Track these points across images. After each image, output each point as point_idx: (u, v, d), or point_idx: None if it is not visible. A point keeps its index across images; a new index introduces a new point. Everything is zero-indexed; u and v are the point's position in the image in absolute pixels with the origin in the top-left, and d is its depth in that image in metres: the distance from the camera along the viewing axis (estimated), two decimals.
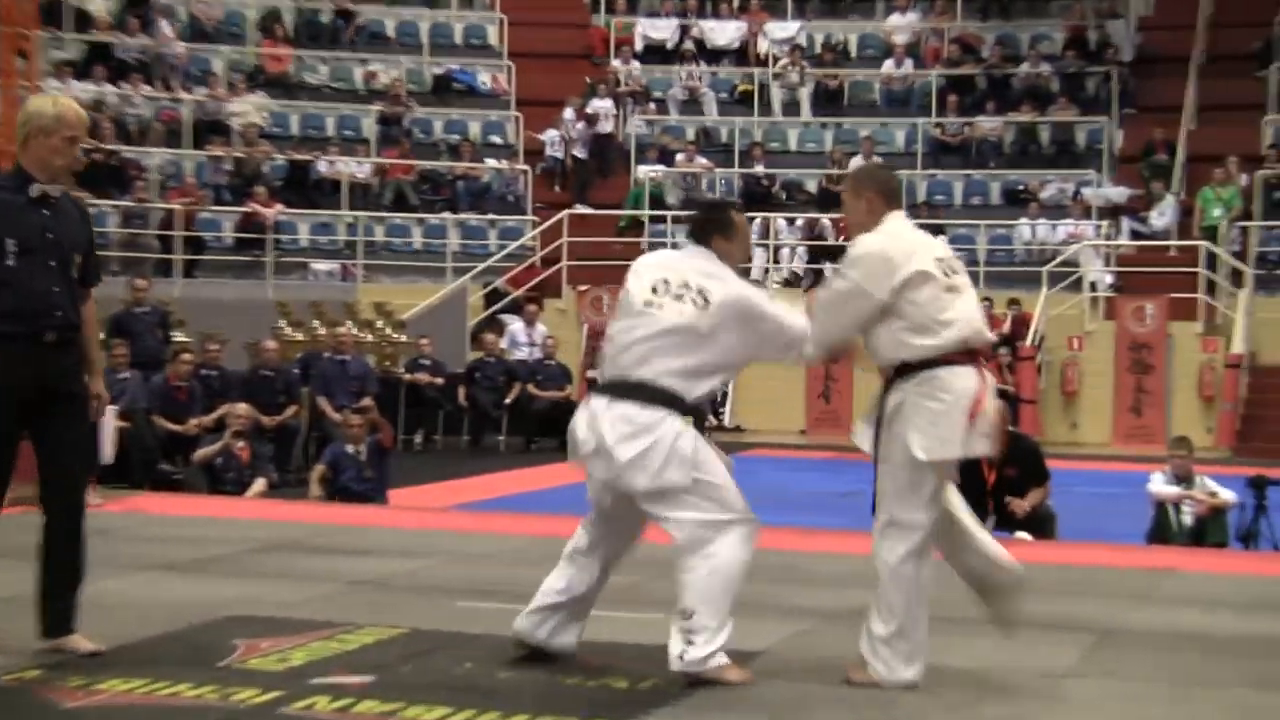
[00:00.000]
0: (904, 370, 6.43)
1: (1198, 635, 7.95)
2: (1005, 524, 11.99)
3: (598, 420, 6.41)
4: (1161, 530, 12.89)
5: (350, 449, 14.63)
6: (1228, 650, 7.58)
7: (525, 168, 27.06)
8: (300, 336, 20.40)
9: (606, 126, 27.70)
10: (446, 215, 25.91)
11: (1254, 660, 7.33)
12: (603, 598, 6.95)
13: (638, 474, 6.35)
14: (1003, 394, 10.47)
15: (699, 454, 6.46)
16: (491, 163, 27.02)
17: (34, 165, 6.86)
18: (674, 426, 6.36)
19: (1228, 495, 13.00)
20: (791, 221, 26.16)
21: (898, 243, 6.57)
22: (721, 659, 6.34)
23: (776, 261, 25.66)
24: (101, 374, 7.11)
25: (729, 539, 6.38)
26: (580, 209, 26.31)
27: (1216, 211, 24.82)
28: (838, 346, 6.83)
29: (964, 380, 6.36)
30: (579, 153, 27.57)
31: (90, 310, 7.02)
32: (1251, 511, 12.74)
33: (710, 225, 6.90)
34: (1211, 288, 23.77)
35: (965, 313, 6.46)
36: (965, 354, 6.40)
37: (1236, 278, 23.90)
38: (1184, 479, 13.02)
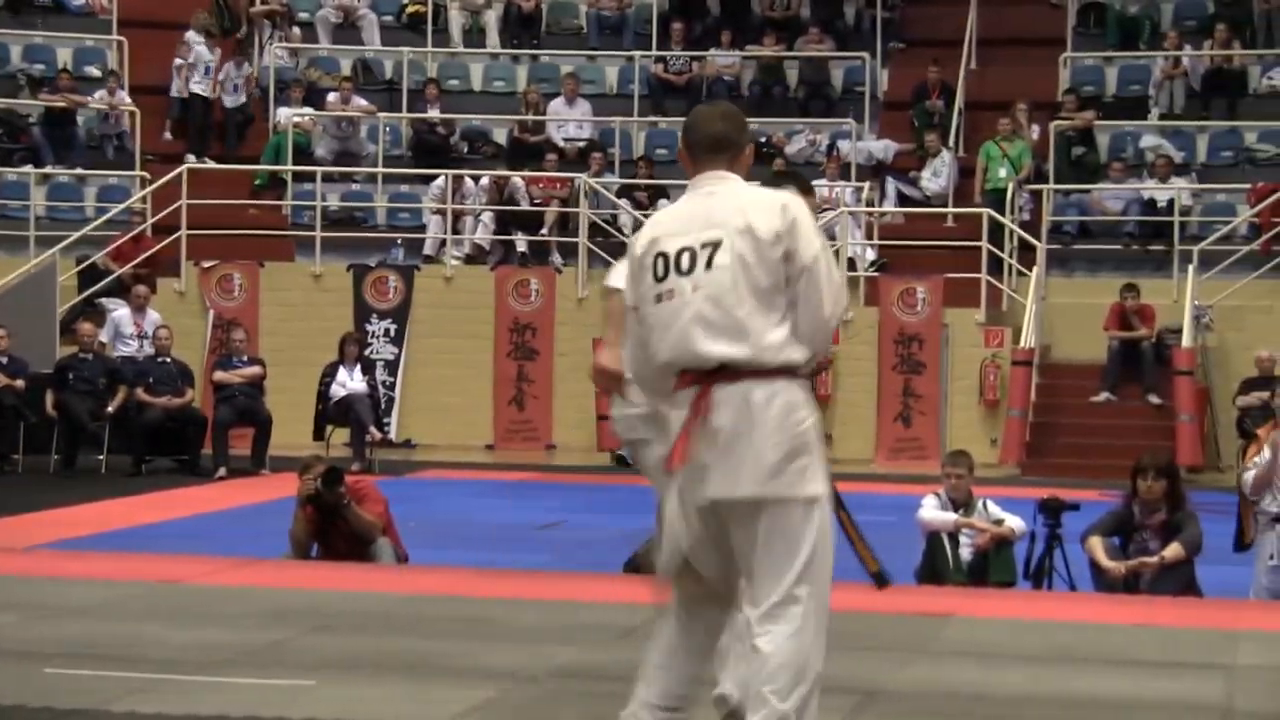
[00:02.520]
0: None
1: (978, 695, 8.16)
2: None
3: None
4: (935, 566, 13.03)
5: None
6: (1010, 711, 7.83)
7: (133, 108, 26.69)
8: None
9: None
10: (28, 169, 25.48)
11: None
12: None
13: None
14: None
15: None
16: (89, 100, 26.62)
17: None
18: None
19: (1015, 523, 13.29)
20: (476, 180, 26.18)
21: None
22: None
23: (457, 232, 25.70)
24: None
25: None
26: (203, 163, 26.05)
27: (1002, 171, 25.37)
28: None
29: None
30: (227, 99, 27.29)
31: None
32: (1043, 542, 13.08)
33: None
34: (997, 266, 24.30)
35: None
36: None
37: (1027, 254, 24.52)
38: (962, 503, 13.27)
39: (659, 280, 6.06)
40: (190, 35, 27.06)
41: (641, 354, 6.18)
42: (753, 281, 6.02)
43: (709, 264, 6.03)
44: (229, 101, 27.24)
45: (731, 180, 6.26)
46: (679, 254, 6.07)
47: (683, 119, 23.81)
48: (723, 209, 6.16)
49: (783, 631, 6.05)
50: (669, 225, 6.20)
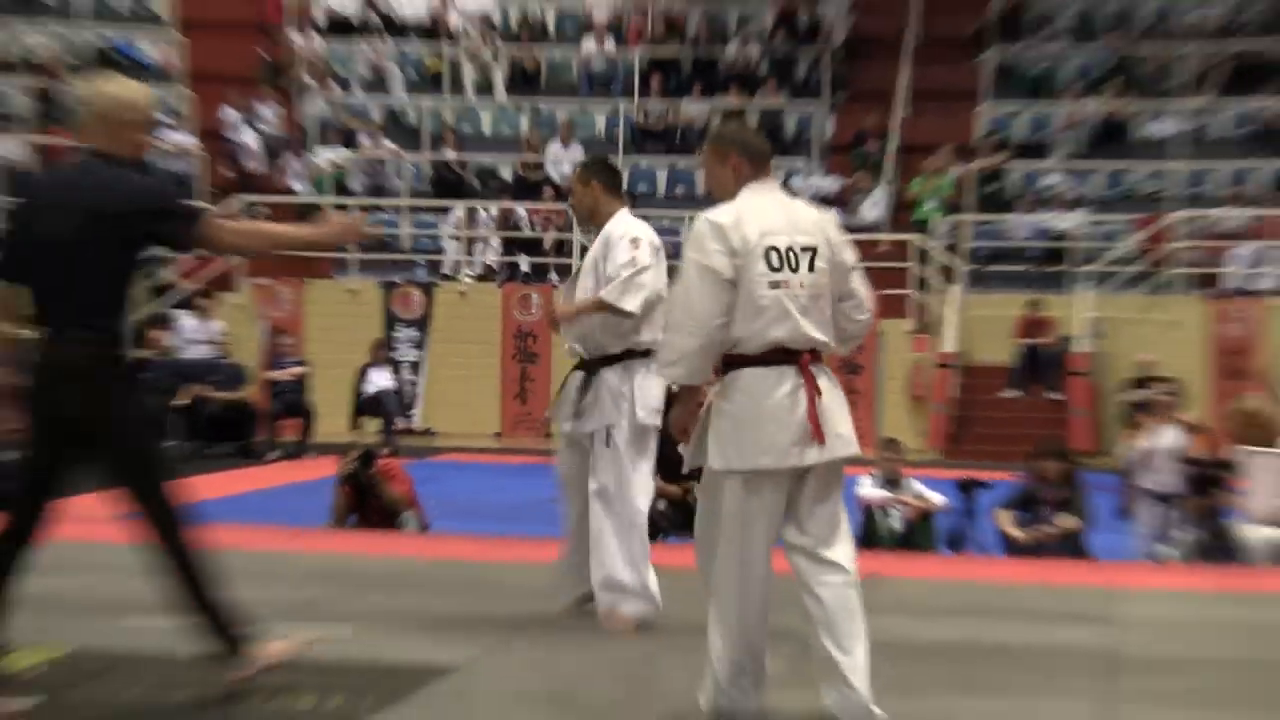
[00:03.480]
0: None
1: (906, 644, 8.12)
2: None
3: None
4: (870, 535, 13.15)
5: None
6: (936, 658, 7.84)
7: (198, 149, 26.67)
8: None
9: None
10: None
11: (957, 665, 7.61)
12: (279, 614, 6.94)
13: None
14: None
15: None
16: (161, 142, 26.56)
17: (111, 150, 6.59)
18: None
19: (937, 499, 13.38)
20: (486, 211, 26.21)
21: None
22: None
23: (470, 253, 25.74)
24: None
25: None
26: (257, 196, 26.04)
27: (929, 205, 25.45)
28: None
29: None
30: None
31: None
32: (960, 515, 13.17)
33: None
34: (923, 284, 24.35)
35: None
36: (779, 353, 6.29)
37: (948, 274, 24.57)
38: (893, 482, 13.37)
39: (774, 270, 6.12)
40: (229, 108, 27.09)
41: (740, 323, 6.15)
42: (832, 285, 6.26)
43: (810, 266, 6.17)
44: (270, 144, 27.29)
45: (779, 188, 6.57)
46: (788, 251, 6.15)
47: (664, 158, 23.80)
48: (807, 218, 6.34)
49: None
50: (772, 223, 6.19)
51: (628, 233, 8.53)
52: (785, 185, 25.67)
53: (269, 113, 27.51)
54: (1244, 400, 12.83)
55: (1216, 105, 26.86)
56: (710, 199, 6.49)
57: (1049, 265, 24.96)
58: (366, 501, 13.37)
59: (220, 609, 6.47)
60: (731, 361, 6.21)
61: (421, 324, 24.71)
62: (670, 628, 8.15)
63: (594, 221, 8.63)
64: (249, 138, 27.21)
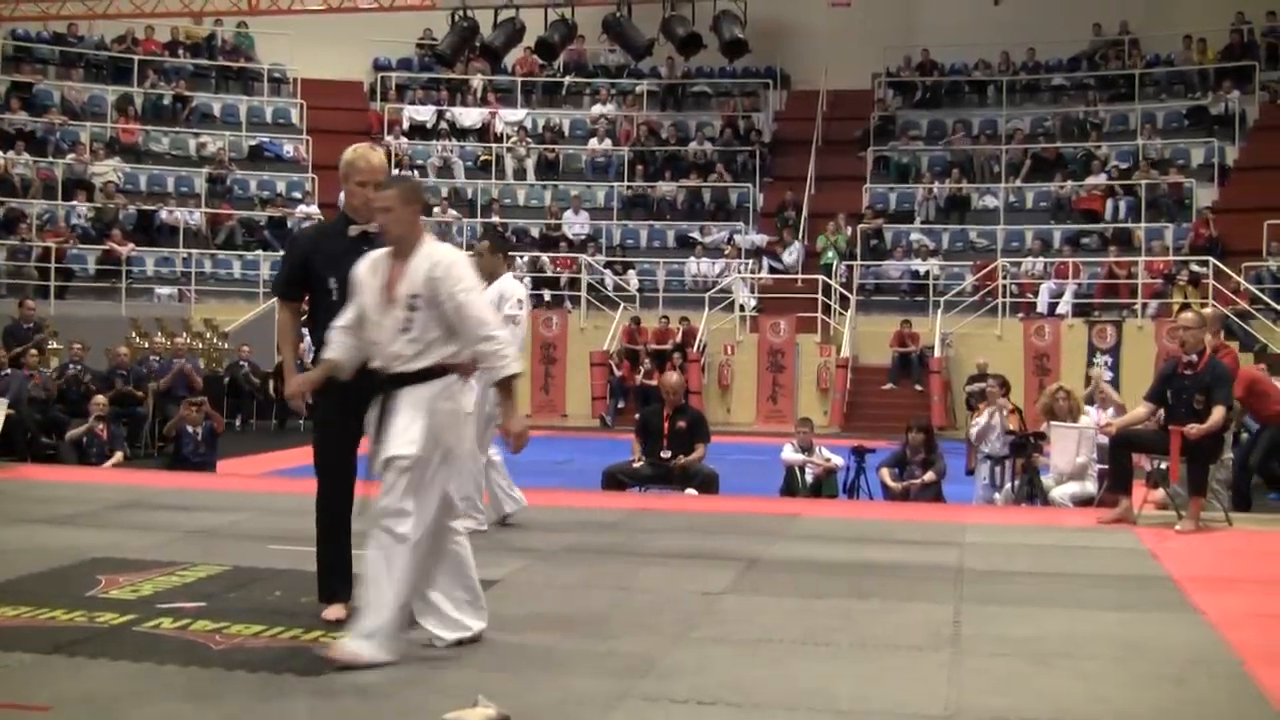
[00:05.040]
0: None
1: (817, 562, 8.15)
2: (675, 481, 12.03)
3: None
4: (790, 486, 13.16)
5: (190, 429, 14.46)
6: (838, 572, 7.80)
7: (321, 217, 26.61)
8: (146, 345, 20.09)
9: None
10: (260, 252, 25.38)
11: (854, 578, 7.57)
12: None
13: None
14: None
15: None
16: (295, 212, 26.55)
17: (350, 208, 6.20)
18: None
19: (837, 460, 13.35)
20: (520, 258, 26.16)
21: None
22: None
23: None
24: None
25: None
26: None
27: (830, 254, 25.43)
28: None
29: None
30: None
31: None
32: (854, 472, 13.14)
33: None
34: (827, 309, 24.27)
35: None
36: None
37: (844, 302, 24.54)
38: (806, 449, 13.32)
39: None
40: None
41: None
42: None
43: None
44: None
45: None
46: None
47: (645, 223, 23.57)
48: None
49: None
50: None
51: (514, 293, 8.91)
52: (730, 242, 25.98)
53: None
54: (1050, 389, 12.81)
55: (1024, 186, 26.86)
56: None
57: (914, 296, 24.91)
58: None
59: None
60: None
61: None
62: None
63: (489, 281, 8.55)
64: None
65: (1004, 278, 23.87)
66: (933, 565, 8.10)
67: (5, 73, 27.02)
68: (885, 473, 12.80)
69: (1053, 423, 12.30)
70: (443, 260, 5.56)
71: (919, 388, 23.04)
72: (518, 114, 30.09)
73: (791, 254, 25.99)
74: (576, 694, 5.11)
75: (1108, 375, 18.32)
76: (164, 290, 24.53)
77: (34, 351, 17.24)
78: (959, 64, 29.52)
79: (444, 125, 29.76)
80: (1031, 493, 12.14)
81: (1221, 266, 22.39)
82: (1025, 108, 28.86)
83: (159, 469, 14.49)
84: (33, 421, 15.62)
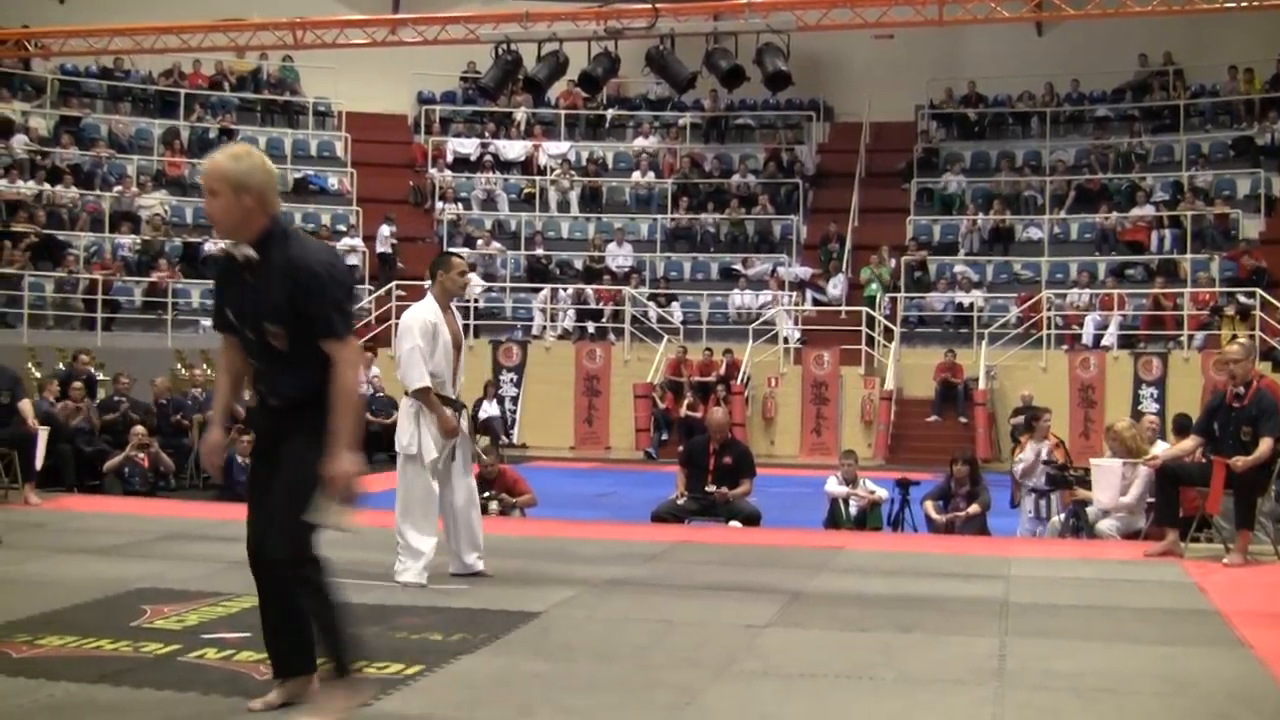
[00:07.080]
0: None
1: (861, 596, 8.13)
2: (720, 514, 12.03)
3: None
4: (835, 519, 13.12)
5: (240, 459, 14.49)
6: (881, 605, 7.78)
7: (364, 249, 26.84)
8: (188, 376, 20.25)
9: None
10: None
11: (898, 611, 7.55)
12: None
13: None
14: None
15: None
16: (337, 244, 26.73)
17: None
18: None
19: (882, 492, 13.30)
20: (564, 289, 26.29)
21: None
22: None
23: (553, 320, 25.78)
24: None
25: None
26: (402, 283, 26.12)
27: (874, 286, 25.40)
28: None
29: None
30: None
31: (335, 375, 4.92)
32: (898, 504, 13.09)
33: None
34: (870, 341, 24.23)
35: None
36: None
37: (888, 334, 24.48)
38: (850, 481, 13.28)
39: None
40: (387, 220, 27.14)
41: None
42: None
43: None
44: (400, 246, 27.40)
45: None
46: None
47: (688, 255, 23.70)
48: None
49: None
50: None
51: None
52: (773, 274, 25.98)
53: (387, 230, 27.54)
54: (1114, 424, 12.67)
55: (1069, 218, 26.77)
56: None
57: (958, 328, 24.83)
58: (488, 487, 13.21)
59: None
60: None
61: (519, 370, 24.70)
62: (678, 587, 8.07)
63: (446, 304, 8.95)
64: (390, 244, 27.28)
65: (1048, 309, 23.78)
66: (977, 598, 8.07)
67: (55, 107, 27.38)
68: (929, 505, 12.74)
69: (1092, 460, 12.21)
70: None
71: (963, 420, 22.95)
72: (561, 147, 30.24)
73: (835, 286, 25.97)
74: None
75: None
76: (209, 322, 24.71)
77: (77, 385, 17.24)
78: (1002, 95, 29.50)
79: (488, 158, 29.92)
80: (1076, 526, 12.05)
81: (1269, 298, 22.23)
82: (1069, 139, 28.80)
83: (208, 500, 14.54)
84: (73, 455, 15.75)
